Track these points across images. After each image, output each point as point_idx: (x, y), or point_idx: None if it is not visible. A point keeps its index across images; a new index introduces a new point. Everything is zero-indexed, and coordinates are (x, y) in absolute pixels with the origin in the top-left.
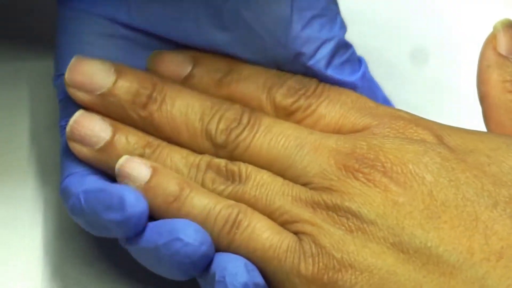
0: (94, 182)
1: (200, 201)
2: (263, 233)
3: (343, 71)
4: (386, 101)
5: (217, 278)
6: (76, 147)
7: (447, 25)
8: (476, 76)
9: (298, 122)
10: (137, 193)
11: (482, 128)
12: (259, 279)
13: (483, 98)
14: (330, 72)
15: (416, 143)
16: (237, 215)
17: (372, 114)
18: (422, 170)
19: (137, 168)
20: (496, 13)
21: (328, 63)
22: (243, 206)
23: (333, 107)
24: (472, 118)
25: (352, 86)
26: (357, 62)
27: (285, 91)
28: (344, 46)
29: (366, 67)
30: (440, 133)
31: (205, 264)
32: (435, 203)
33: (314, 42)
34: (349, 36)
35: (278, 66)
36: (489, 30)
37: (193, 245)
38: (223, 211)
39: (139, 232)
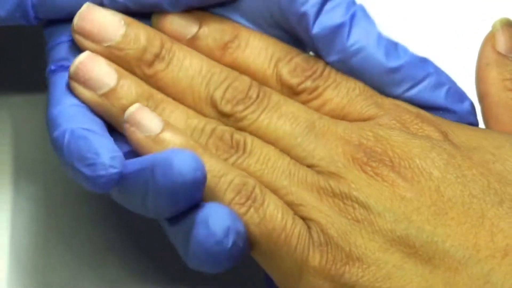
0: (83, 122)
1: (212, 166)
2: (277, 215)
3: (334, 14)
4: (380, 38)
5: (197, 220)
6: (78, 89)
7: (446, 26)
8: (475, 74)
9: (304, 103)
10: (115, 153)
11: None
12: (242, 228)
13: (482, 97)
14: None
15: (423, 139)
16: (253, 188)
17: (378, 105)
18: (429, 165)
19: (148, 118)
20: (496, 12)
21: (320, 10)
22: (254, 180)
23: (339, 92)
24: None
25: (341, 27)
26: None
27: (291, 68)
28: None
29: (360, 8)
30: (445, 130)
31: (194, 195)
32: (442, 199)
33: None
34: None
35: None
36: (489, 29)
37: (189, 165)
38: (236, 180)
39: (107, 190)
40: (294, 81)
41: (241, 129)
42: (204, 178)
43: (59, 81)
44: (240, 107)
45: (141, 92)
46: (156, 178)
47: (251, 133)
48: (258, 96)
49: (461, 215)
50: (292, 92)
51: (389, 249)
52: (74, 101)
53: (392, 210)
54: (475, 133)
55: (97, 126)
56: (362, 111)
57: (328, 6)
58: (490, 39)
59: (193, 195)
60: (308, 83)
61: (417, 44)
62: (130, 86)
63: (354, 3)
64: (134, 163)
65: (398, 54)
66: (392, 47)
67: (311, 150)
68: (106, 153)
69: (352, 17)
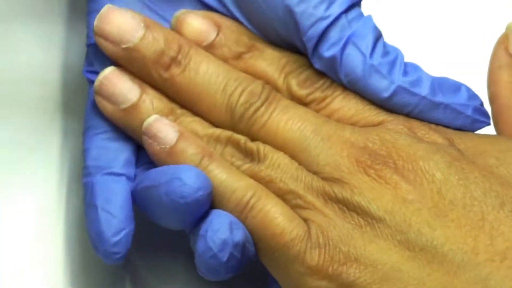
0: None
1: (218, 175)
2: (276, 219)
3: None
4: (371, 67)
5: (200, 232)
6: (102, 103)
7: (446, 26)
8: (487, 76)
9: None
10: (119, 237)
11: (485, 130)
12: (240, 239)
13: (493, 99)
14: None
15: (428, 143)
16: (251, 197)
17: (387, 112)
18: (432, 167)
19: (164, 130)
20: (496, 13)
21: (319, 41)
22: (259, 188)
23: (348, 102)
24: None
25: (333, 60)
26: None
27: (302, 80)
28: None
29: (354, 33)
30: (451, 136)
31: (199, 212)
32: (444, 201)
33: (308, 18)
34: None
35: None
36: (489, 30)
37: (191, 186)
38: (238, 192)
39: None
40: (303, 92)
41: (253, 134)
42: (207, 195)
43: (91, 94)
44: (251, 111)
45: (162, 107)
46: (161, 197)
47: (263, 136)
48: (267, 98)
49: (461, 217)
50: (301, 102)
51: (388, 251)
52: (102, 135)
53: (393, 213)
54: (481, 139)
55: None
56: (370, 118)
57: (326, 36)
58: (503, 41)
59: (197, 212)
60: (317, 94)
61: (417, 45)
62: (151, 101)
63: (350, 26)
64: (147, 179)
65: (392, 79)
66: (386, 69)
67: (317, 155)
68: (110, 239)
69: (343, 47)
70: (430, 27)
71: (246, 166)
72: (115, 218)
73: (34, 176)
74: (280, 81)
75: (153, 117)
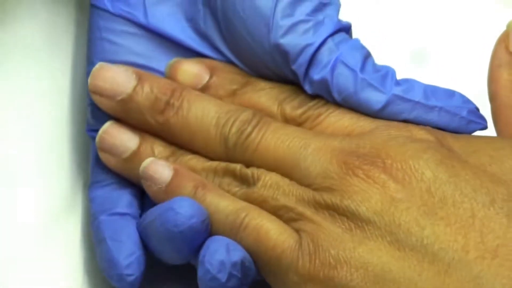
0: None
1: (213, 202)
2: (268, 233)
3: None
4: (362, 81)
5: (199, 258)
6: (105, 156)
7: (446, 26)
8: (487, 75)
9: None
10: (131, 259)
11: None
12: (238, 258)
13: (493, 98)
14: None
15: (419, 142)
16: (244, 217)
17: (381, 120)
18: (422, 166)
19: (159, 171)
20: (496, 13)
21: (308, 66)
22: (252, 208)
23: (343, 116)
24: None
25: (323, 82)
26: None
27: (295, 105)
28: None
29: (342, 54)
30: (444, 136)
31: (196, 240)
32: (433, 199)
33: (295, 47)
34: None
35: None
36: (489, 30)
37: (183, 215)
38: (231, 215)
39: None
40: (297, 112)
41: (247, 160)
42: (201, 222)
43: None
44: (243, 137)
45: (161, 150)
46: (158, 229)
47: (256, 160)
48: (258, 123)
49: (451, 215)
50: (296, 123)
51: (377, 252)
52: (106, 187)
53: (382, 214)
54: (477, 139)
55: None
56: (365, 127)
57: (314, 61)
58: (503, 39)
59: (194, 240)
60: (311, 112)
61: (417, 46)
62: (151, 147)
63: (337, 48)
64: (147, 216)
65: (385, 90)
66: (378, 82)
67: (307, 168)
68: (122, 262)
69: (333, 68)
70: (430, 27)
71: (242, 191)
72: (125, 244)
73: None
74: (274, 108)
75: (149, 160)
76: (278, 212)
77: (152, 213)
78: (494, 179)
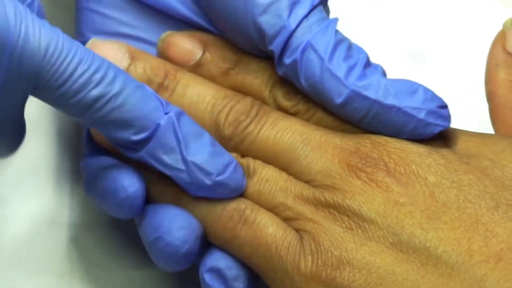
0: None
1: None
2: (267, 230)
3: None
4: (327, 70)
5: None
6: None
7: (446, 26)
8: (484, 74)
9: None
10: (132, 175)
11: (481, 129)
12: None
13: (490, 97)
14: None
15: (420, 145)
16: (244, 211)
17: None
18: (425, 171)
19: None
20: (496, 13)
21: (283, 49)
22: (249, 202)
23: (330, 113)
24: (470, 118)
25: (294, 66)
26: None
27: (285, 92)
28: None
29: (312, 40)
30: (445, 137)
31: (192, 260)
32: (436, 204)
33: (271, 27)
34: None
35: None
36: (488, 29)
37: (175, 245)
38: (227, 207)
39: (138, 212)
40: (287, 103)
41: (243, 149)
42: (194, 249)
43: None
44: (240, 128)
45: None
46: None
47: (253, 152)
48: (257, 114)
49: (455, 219)
50: (288, 113)
51: (380, 254)
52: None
53: (385, 216)
54: (474, 139)
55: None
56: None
57: (288, 43)
58: (500, 39)
59: (189, 261)
60: (300, 106)
61: (416, 46)
62: None
63: (310, 30)
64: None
65: (346, 83)
66: (343, 73)
67: (308, 164)
68: (123, 177)
69: (303, 52)
70: (428, 26)
71: None
72: (127, 173)
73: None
74: (266, 93)
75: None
76: (276, 209)
77: (144, 232)
78: (497, 183)
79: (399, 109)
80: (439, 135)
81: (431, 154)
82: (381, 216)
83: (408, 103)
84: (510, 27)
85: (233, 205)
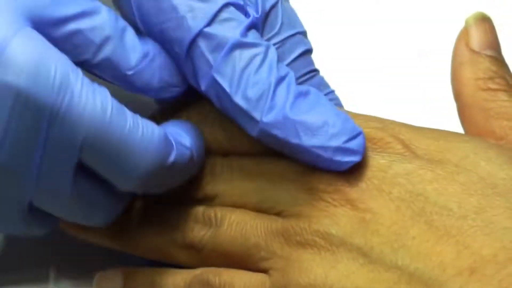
0: None
1: (168, 281)
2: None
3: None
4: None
5: None
6: None
7: (446, 26)
8: (450, 74)
9: None
10: None
11: None
12: None
13: (457, 97)
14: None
15: (382, 156)
16: (210, 279)
17: None
18: (388, 185)
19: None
20: (495, 13)
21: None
22: (211, 271)
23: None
24: None
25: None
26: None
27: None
28: None
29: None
30: (407, 142)
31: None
32: (403, 218)
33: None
34: (349, 37)
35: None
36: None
37: None
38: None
39: None
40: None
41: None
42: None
43: None
44: (208, 191)
45: None
46: None
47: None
48: (222, 172)
49: (423, 233)
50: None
51: (350, 276)
52: None
53: (352, 236)
54: (438, 143)
55: None
56: None
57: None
58: (463, 36)
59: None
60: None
61: (416, 46)
62: None
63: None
64: None
65: (256, 118)
66: (253, 105)
67: (275, 197)
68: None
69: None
70: (429, 26)
71: (208, 234)
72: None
73: None
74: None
75: None
76: (250, 252)
77: None
78: (463, 190)
79: (305, 149)
80: (399, 141)
81: (392, 166)
82: (349, 237)
83: (313, 142)
84: (472, 24)
85: (198, 277)
